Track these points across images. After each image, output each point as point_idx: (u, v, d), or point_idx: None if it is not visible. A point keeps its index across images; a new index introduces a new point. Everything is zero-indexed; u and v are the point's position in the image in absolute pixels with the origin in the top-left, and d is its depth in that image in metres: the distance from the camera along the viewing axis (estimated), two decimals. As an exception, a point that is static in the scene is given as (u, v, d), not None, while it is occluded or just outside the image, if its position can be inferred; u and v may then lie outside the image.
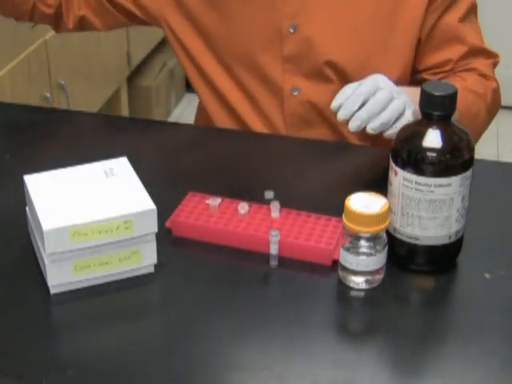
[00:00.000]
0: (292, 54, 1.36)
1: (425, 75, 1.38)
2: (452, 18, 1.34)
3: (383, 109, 1.09)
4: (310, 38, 1.35)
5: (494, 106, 1.38)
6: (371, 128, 1.08)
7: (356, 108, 1.08)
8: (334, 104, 1.10)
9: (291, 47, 1.36)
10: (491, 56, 1.39)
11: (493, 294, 1.01)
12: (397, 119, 1.10)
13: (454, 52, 1.35)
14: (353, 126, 1.08)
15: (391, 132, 1.10)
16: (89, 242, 0.97)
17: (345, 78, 1.34)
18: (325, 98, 1.36)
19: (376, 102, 1.09)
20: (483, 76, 1.35)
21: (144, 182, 1.04)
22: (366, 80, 1.12)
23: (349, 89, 1.12)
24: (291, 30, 1.34)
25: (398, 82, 1.23)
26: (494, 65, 1.41)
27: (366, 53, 1.35)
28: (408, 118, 1.10)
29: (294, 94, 1.39)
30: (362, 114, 1.08)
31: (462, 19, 1.34)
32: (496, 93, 1.38)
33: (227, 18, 1.36)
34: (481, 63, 1.37)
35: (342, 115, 1.08)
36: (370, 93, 1.09)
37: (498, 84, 1.39)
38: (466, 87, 1.28)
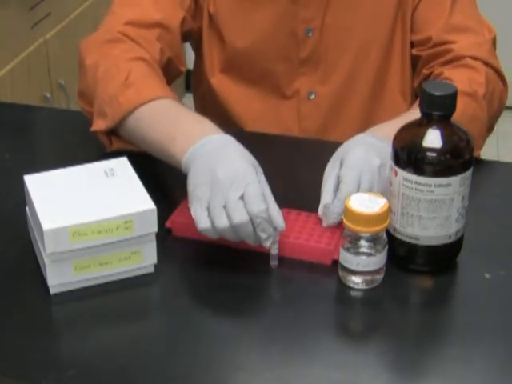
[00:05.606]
0: (309, 58, 1.36)
1: (414, 51, 1.35)
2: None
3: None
4: (327, 42, 1.35)
5: (493, 98, 1.28)
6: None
7: (342, 215, 1.02)
8: (323, 210, 1.06)
9: (308, 51, 1.36)
10: (479, 33, 1.32)
11: (493, 294, 1.01)
12: None
13: (433, 27, 1.31)
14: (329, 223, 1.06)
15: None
16: (89, 242, 0.97)
17: (357, 80, 1.34)
18: (341, 102, 1.36)
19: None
20: (471, 68, 1.26)
21: (144, 182, 1.04)
22: (349, 175, 1.05)
23: (331, 185, 1.07)
24: (309, 34, 1.34)
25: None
26: (492, 42, 1.32)
27: (378, 54, 1.35)
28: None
29: (311, 97, 1.38)
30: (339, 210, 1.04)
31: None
32: (490, 82, 1.27)
33: (244, 22, 1.35)
34: (466, 43, 1.29)
35: (327, 223, 1.06)
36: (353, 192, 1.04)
37: (495, 65, 1.29)
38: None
